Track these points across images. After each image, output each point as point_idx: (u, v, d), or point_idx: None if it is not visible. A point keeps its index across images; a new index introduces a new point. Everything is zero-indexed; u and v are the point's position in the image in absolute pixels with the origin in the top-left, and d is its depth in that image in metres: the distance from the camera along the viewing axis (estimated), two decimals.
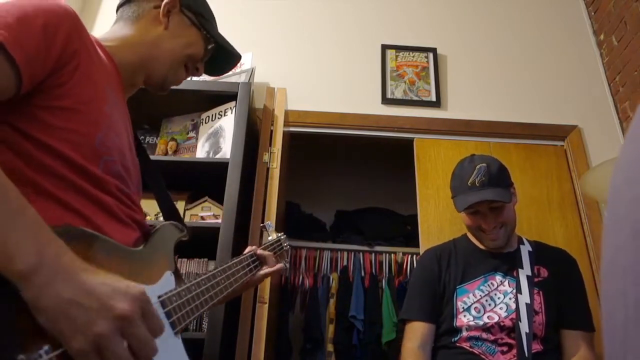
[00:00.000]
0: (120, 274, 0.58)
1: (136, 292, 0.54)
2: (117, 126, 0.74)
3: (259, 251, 1.10)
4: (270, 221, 1.35)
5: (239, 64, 2.35)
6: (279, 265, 1.13)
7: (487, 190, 1.38)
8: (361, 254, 2.67)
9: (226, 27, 2.56)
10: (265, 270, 1.09)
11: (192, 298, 0.72)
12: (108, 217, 0.68)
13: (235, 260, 0.97)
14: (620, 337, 0.25)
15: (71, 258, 0.52)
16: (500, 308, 1.39)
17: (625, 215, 0.26)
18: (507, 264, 1.46)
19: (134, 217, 0.75)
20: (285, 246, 1.30)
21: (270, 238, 1.26)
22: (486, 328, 1.36)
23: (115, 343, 0.50)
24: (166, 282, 0.71)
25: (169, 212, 0.92)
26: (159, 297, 0.65)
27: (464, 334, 1.37)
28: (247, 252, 1.07)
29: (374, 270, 2.61)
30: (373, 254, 2.67)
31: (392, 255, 2.66)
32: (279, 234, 1.30)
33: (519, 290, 1.39)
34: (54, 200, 0.62)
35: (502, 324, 1.36)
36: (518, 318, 1.34)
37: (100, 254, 0.60)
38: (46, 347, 0.46)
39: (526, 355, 1.29)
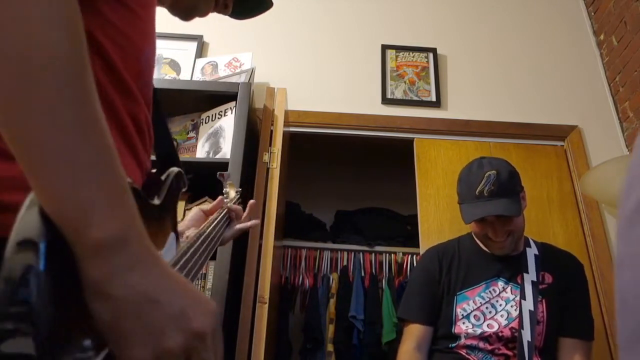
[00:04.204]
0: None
1: (214, 307, 0.45)
2: (155, 43, 0.63)
3: (231, 204, 1.05)
4: (229, 171, 1.28)
5: (239, 64, 2.37)
6: (254, 221, 1.09)
7: (496, 201, 1.33)
8: (361, 254, 2.67)
9: (226, 27, 2.58)
10: (240, 225, 1.05)
11: (191, 267, 0.64)
12: (132, 157, 0.55)
13: (218, 218, 0.93)
14: None
15: (150, 243, 0.41)
16: (501, 316, 1.35)
17: None
18: (511, 268, 1.42)
19: (147, 165, 0.62)
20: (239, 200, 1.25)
21: (226, 191, 1.19)
22: (484, 337, 1.33)
23: None
24: (170, 246, 0.62)
25: (168, 153, 0.76)
26: None
27: (462, 341, 1.35)
28: (221, 210, 1.01)
29: (374, 270, 2.61)
30: (373, 254, 2.67)
31: (392, 255, 2.66)
32: (237, 189, 1.24)
33: (522, 296, 1.35)
34: None
35: (500, 333, 1.32)
36: (520, 326, 1.31)
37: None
38: (88, 342, 0.35)
39: None
